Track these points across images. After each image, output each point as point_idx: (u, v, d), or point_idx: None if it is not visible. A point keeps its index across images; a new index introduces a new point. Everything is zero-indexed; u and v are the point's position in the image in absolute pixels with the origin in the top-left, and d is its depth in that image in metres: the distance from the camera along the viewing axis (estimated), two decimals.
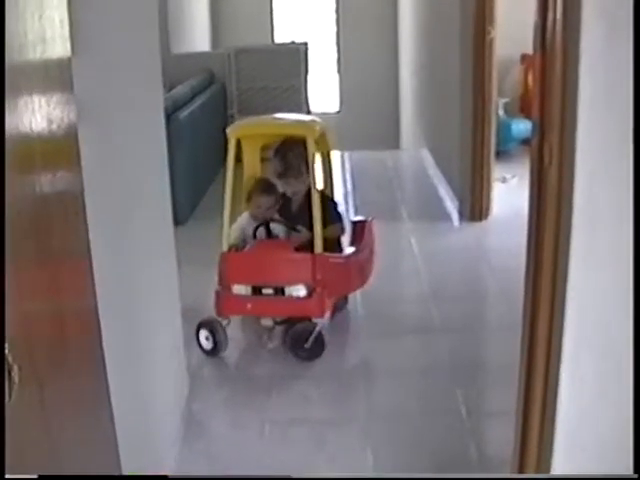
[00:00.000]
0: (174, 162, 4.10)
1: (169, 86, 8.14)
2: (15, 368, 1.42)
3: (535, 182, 2.39)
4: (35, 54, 1.74)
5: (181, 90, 7.84)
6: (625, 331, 2.23)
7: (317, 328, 4.40)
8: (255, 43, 11.05)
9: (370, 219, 5.10)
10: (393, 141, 12.63)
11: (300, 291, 4.43)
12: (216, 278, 4.62)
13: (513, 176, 7.65)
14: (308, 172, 4.56)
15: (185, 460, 3.54)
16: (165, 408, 3.57)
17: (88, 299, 2.11)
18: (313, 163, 4.53)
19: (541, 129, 2.32)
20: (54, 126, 1.84)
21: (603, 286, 2.29)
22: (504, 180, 7.59)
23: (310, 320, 4.45)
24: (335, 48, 13.77)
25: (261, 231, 4.57)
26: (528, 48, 2.58)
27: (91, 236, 2.14)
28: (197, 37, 11.94)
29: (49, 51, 1.85)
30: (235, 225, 4.68)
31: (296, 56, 9.57)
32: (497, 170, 7.04)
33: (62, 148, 1.96)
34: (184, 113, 7.31)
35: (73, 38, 2.04)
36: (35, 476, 1.53)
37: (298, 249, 4.50)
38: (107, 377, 2.20)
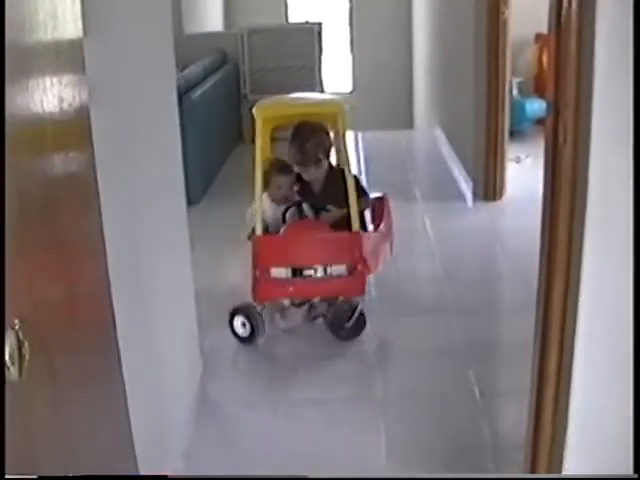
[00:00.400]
0: (187, 142, 4.09)
1: (182, 66, 8.13)
2: (26, 344, 1.41)
3: (549, 161, 2.37)
4: (46, 33, 1.73)
5: (194, 70, 7.83)
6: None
7: (359, 307, 4.43)
8: (268, 23, 11.02)
9: (386, 195, 5.02)
10: (406, 121, 12.59)
11: (341, 270, 4.38)
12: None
13: (527, 156, 7.61)
14: (327, 157, 4.54)
15: (197, 441, 3.55)
16: (178, 389, 3.58)
17: (100, 279, 2.11)
18: (345, 141, 4.51)
19: (556, 108, 2.30)
20: (65, 106, 1.83)
21: (618, 267, 2.27)
22: (518, 160, 7.56)
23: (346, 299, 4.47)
24: (348, 28, 13.71)
25: (293, 212, 4.50)
26: (542, 28, 2.56)
27: (103, 217, 2.14)
28: (210, 17, 11.91)
29: (60, 30, 1.83)
30: (252, 210, 4.58)
31: (309, 36, 9.53)
32: (511, 150, 7.02)
33: (74, 128, 1.95)
34: (197, 93, 7.31)
35: (85, 18, 2.03)
36: (35, 477, 1.52)
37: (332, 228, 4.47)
38: (120, 357, 2.20)
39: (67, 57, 1.91)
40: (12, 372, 1.38)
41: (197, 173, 6.79)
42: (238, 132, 9.48)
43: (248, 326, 4.43)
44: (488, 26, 6.35)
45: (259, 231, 4.37)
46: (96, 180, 2.08)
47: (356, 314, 4.41)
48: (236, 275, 5.47)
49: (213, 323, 4.54)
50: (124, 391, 2.23)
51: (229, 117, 9.21)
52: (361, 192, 4.59)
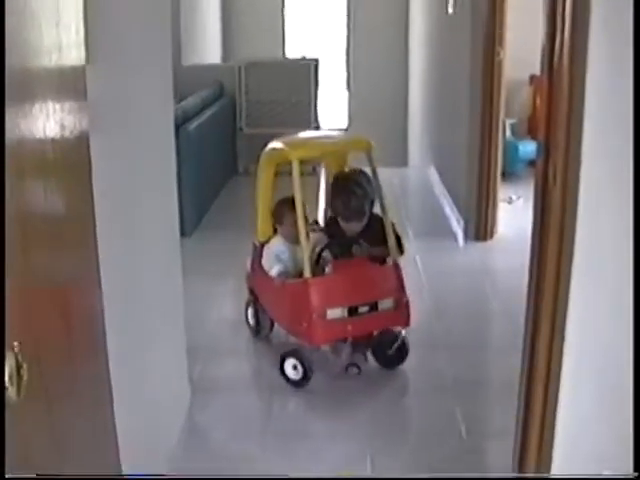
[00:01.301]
0: (182, 173, 4.12)
1: (179, 97, 8.17)
2: (24, 366, 1.44)
3: (539, 202, 2.41)
4: (50, 60, 1.77)
5: (191, 101, 7.89)
6: (625, 351, 2.24)
7: (402, 334, 4.44)
8: (266, 57, 11.10)
9: None
10: (401, 158, 12.65)
11: (389, 303, 4.38)
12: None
13: (519, 197, 7.66)
14: (372, 209, 4.51)
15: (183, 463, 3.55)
16: (166, 418, 3.59)
17: (94, 306, 2.13)
18: (378, 179, 4.49)
19: (546, 149, 2.34)
20: (67, 132, 1.87)
21: (605, 307, 2.30)
22: (510, 201, 7.61)
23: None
24: (345, 64, 13.81)
25: (325, 254, 4.44)
26: (537, 70, 2.60)
27: (98, 245, 2.16)
28: (208, 50, 11.99)
29: (64, 58, 1.87)
30: (270, 253, 4.65)
31: (306, 71, 9.60)
32: (503, 191, 7.06)
33: (74, 155, 1.98)
34: (193, 124, 7.35)
35: (88, 46, 2.07)
36: (34, 476, 1.54)
37: None
38: (110, 380, 2.22)
39: (70, 84, 1.95)
40: (11, 392, 1.40)
41: (191, 205, 6.82)
42: (233, 164, 9.54)
43: (300, 369, 4.32)
44: (483, 67, 6.41)
45: (307, 274, 4.25)
46: (93, 207, 2.11)
47: (399, 342, 4.42)
48: (227, 306, 5.50)
49: (202, 352, 4.56)
50: (113, 415, 2.25)
51: (224, 149, 9.26)
52: (398, 239, 4.55)
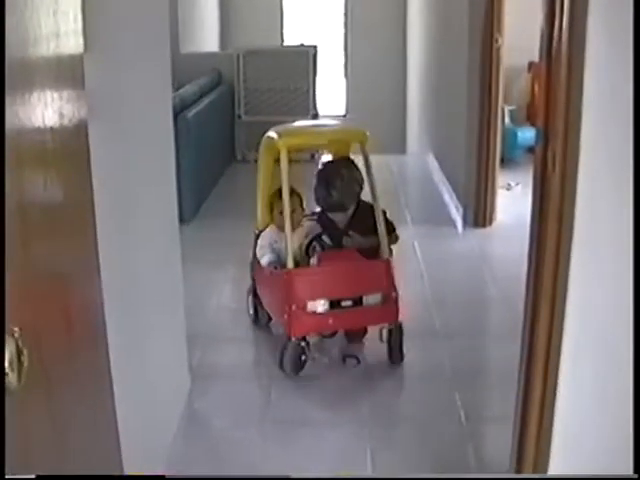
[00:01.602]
0: (180, 160, 4.12)
1: (177, 85, 8.16)
2: (25, 351, 1.44)
3: (538, 189, 2.41)
4: (49, 49, 1.77)
5: (189, 89, 7.88)
6: (624, 338, 2.25)
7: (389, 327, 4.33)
8: (264, 45, 11.08)
9: None
10: (399, 146, 12.65)
11: (377, 299, 4.29)
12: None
13: (517, 184, 7.66)
14: (359, 199, 4.45)
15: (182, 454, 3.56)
16: (166, 405, 3.59)
17: (93, 293, 2.13)
18: (371, 171, 4.45)
19: (545, 136, 2.34)
20: (66, 121, 1.86)
21: (604, 293, 2.31)
22: (509, 187, 7.61)
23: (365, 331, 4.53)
24: (343, 52, 13.80)
25: (314, 244, 4.37)
26: (536, 56, 2.60)
27: (98, 233, 2.16)
28: (206, 38, 11.98)
29: (62, 46, 1.86)
30: (263, 242, 4.60)
31: (304, 59, 9.59)
32: (502, 177, 7.07)
33: (73, 144, 1.97)
34: (192, 112, 7.35)
35: (85, 34, 2.07)
36: (33, 476, 1.54)
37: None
38: (110, 368, 2.22)
39: (68, 72, 1.94)
40: (11, 378, 1.41)
41: (190, 192, 6.83)
42: (231, 152, 9.53)
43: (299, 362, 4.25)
44: (482, 54, 6.42)
45: (290, 264, 4.19)
46: (92, 196, 2.11)
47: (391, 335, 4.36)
48: (226, 294, 5.50)
49: (202, 340, 4.57)
50: (113, 403, 2.26)
51: (223, 137, 9.26)
52: (390, 227, 4.50)
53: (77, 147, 2.01)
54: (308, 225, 4.55)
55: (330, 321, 4.28)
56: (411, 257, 6.18)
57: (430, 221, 7.19)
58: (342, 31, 13.72)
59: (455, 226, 6.92)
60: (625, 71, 2.11)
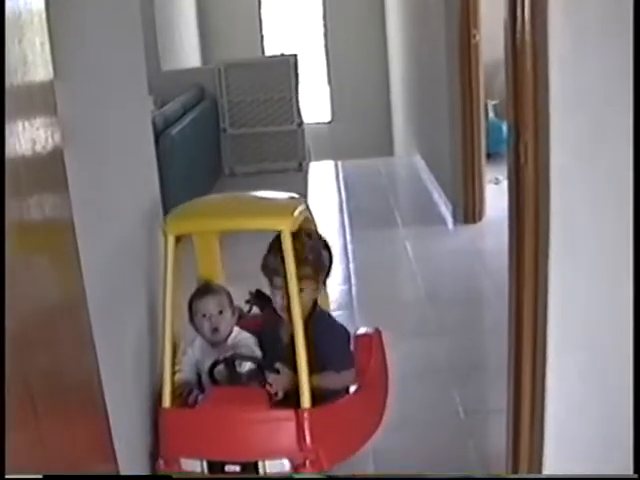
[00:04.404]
0: (167, 178, 4.12)
1: (160, 103, 8.20)
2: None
3: (513, 182, 2.44)
4: (17, 78, 1.78)
5: (172, 107, 7.90)
6: (606, 327, 2.28)
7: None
8: (245, 57, 11.12)
9: (376, 331, 3.59)
10: (386, 149, 12.68)
11: (281, 466, 2.93)
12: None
13: (505, 177, 7.67)
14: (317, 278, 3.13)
15: None
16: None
17: (78, 306, 2.15)
18: (293, 269, 2.95)
19: (516, 129, 2.37)
20: (38, 148, 1.88)
21: (583, 283, 2.33)
22: (497, 182, 7.62)
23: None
24: (325, 58, 13.83)
25: (221, 369, 3.09)
26: None
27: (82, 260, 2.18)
28: (187, 53, 12.01)
29: (31, 75, 1.88)
30: (185, 357, 3.27)
31: (286, 68, 9.62)
32: (490, 172, 7.10)
33: (47, 171, 1.98)
34: (176, 129, 7.36)
35: (55, 61, 2.08)
36: (39, 476, 1.54)
37: (277, 401, 3.02)
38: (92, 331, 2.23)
39: (39, 100, 1.95)
40: None
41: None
42: (218, 166, 9.56)
43: None
44: (460, 50, 6.45)
45: (166, 399, 3.04)
46: (73, 223, 2.12)
47: None
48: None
49: None
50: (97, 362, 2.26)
51: (209, 152, 9.28)
52: (335, 359, 3.13)
53: (52, 173, 2.02)
54: (243, 337, 3.29)
55: None
56: (403, 257, 6.22)
57: (420, 221, 7.22)
58: (322, 37, 13.75)
59: (445, 224, 6.95)
60: (589, 58, 2.14)
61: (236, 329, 3.28)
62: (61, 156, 2.06)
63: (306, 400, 2.92)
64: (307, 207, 3.22)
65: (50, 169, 2.00)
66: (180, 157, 7.20)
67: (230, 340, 3.25)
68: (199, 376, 3.24)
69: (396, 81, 12.04)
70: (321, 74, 13.89)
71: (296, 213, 3.06)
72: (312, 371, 2.94)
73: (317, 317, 3.16)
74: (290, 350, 2.96)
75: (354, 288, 5.67)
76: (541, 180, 2.28)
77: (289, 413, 2.93)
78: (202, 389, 3.14)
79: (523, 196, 2.37)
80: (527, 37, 2.23)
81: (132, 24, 3.54)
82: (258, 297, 3.43)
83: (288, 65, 9.60)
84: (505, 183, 7.36)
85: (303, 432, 2.91)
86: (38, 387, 1.74)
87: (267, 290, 3.22)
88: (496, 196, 7.01)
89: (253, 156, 9.58)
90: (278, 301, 3.09)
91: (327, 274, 3.19)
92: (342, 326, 3.27)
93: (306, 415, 2.90)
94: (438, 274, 5.83)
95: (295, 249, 2.94)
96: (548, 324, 2.36)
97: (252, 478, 2.90)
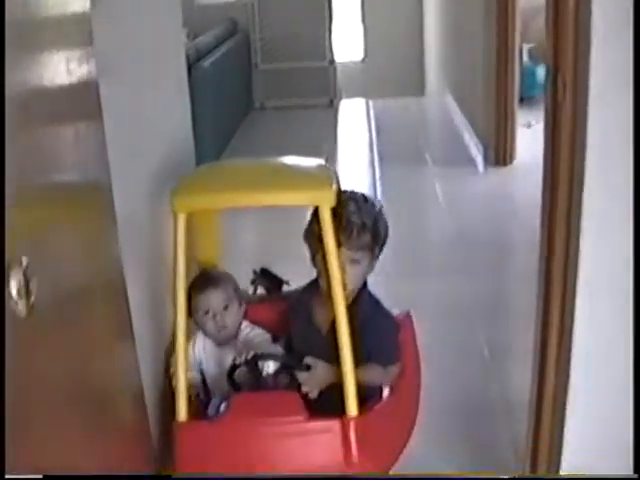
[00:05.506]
0: (198, 110, 4.10)
1: (193, 35, 8.17)
2: (34, 280, 1.45)
3: (549, 120, 2.41)
4: (53, 8, 1.77)
5: (204, 39, 7.87)
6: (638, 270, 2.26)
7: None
8: None
9: (407, 313, 3.17)
10: (418, 88, 12.56)
11: None
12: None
13: (538, 121, 7.60)
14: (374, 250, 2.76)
15: None
16: None
17: (110, 244, 2.16)
18: (334, 248, 2.49)
19: (555, 66, 2.34)
20: (74, 79, 1.86)
21: (617, 224, 2.30)
22: (529, 125, 7.56)
23: None
24: None
25: (241, 372, 2.58)
26: None
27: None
28: None
29: (67, 5, 1.87)
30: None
31: (319, 4, 9.54)
32: (522, 116, 7.05)
33: (83, 101, 1.98)
34: (208, 61, 7.33)
35: None
36: (39, 476, 1.52)
37: (313, 408, 2.51)
38: (131, 321, 2.24)
39: (74, 31, 1.93)
40: (20, 306, 1.42)
41: (209, 141, 6.82)
42: (249, 100, 9.54)
43: None
44: None
45: (182, 411, 2.53)
46: (106, 154, 2.11)
47: None
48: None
49: None
50: (135, 351, 2.28)
51: (240, 85, 9.24)
52: (380, 351, 2.66)
53: (88, 104, 2.01)
54: (255, 334, 2.84)
55: None
56: (432, 197, 6.20)
57: (450, 161, 7.18)
58: None
59: (475, 165, 6.91)
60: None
61: (244, 322, 2.84)
62: (96, 87, 2.05)
63: (352, 406, 2.45)
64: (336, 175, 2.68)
65: (86, 100, 1.99)
66: (211, 89, 7.17)
67: (241, 337, 2.80)
68: (203, 381, 2.76)
69: (430, 21, 11.89)
70: (355, 12, 13.73)
71: (334, 185, 2.53)
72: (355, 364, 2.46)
73: (364, 299, 2.70)
74: (329, 339, 2.50)
75: None
76: (579, 117, 2.24)
77: (333, 423, 2.45)
78: (208, 396, 2.67)
79: (559, 133, 2.33)
80: None
81: None
82: (264, 276, 3.05)
83: (322, 1, 9.51)
84: (537, 127, 7.38)
85: (349, 444, 2.44)
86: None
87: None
88: (528, 140, 6.97)
89: (284, 91, 9.55)
90: (324, 277, 2.55)
91: (382, 246, 2.79)
92: (390, 312, 2.80)
93: (353, 424, 2.44)
94: (467, 215, 5.82)
95: (339, 215, 2.51)
96: (579, 268, 2.34)
97: (258, 478, 2.46)
